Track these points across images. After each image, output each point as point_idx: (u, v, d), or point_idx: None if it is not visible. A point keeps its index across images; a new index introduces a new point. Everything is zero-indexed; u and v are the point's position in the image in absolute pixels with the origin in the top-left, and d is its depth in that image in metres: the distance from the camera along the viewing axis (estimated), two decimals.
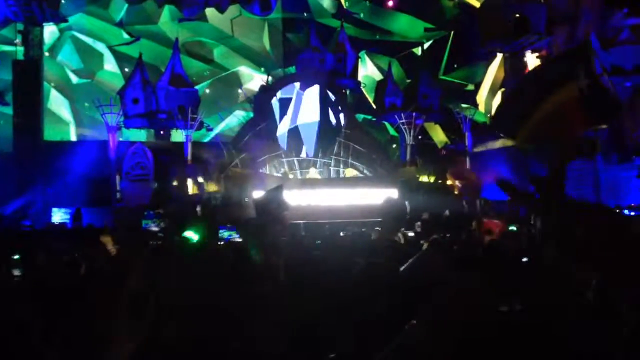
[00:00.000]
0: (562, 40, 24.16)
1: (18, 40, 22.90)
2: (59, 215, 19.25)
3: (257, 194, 19.52)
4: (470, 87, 28.93)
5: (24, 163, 20.24)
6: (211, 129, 25.60)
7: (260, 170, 22.72)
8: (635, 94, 21.51)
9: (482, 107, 27.63)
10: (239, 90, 28.56)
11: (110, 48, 28.34)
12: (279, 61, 29.93)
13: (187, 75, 24.32)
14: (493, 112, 26.66)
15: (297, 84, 24.96)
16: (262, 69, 29.26)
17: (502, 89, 26.55)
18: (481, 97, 27.85)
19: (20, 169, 20.26)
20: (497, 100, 27.25)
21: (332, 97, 24.84)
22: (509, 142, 23.36)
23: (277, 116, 24.43)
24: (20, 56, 22.60)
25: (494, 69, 27.28)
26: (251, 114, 25.60)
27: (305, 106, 24.58)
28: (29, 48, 22.51)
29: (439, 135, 27.71)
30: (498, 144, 22.87)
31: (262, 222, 4.47)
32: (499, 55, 26.64)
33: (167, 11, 28.49)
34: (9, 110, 22.93)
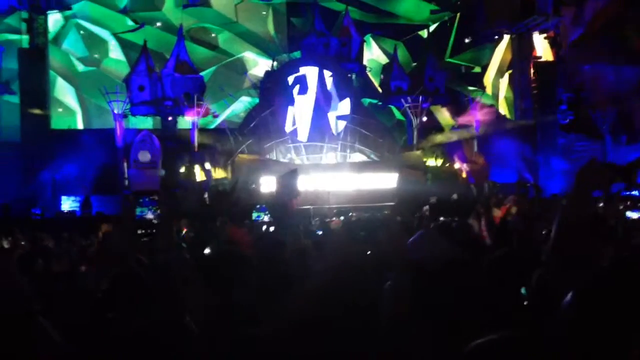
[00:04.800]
0: (569, 22, 23.94)
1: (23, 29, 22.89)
2: (68, 204, 19.36)
3: (265, 179, 19.63)
4: (477, 69, 28.70)
5: (31, 152, 20.32)
6: (217, 116, 25.56)
7: (267, 156, 22.74)
8: None
9: (489, 90, 27.44)
10: (245, 76, 28.50)
11: (115, 35, 28.27)
12: (284, 46, 29.77)
13: (192, 61, 24.25)
14: (501, 94, 26.45)
15: (303, 69, 24.82)
16: (267, 54, 29.12)
17: (509, 71, 26.33)
18: (488, 79, 27.65)
19: (28, 158, 20.35)
20: (504, 82, 27.03)
21: (337, 82, 24.71)
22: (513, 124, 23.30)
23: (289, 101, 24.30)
24: (26, 44, 22.60)
25: (501, 50, 27.04)
26: (257, 100, 25.54)
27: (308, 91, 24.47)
28: (34, 36, 22.50)
29: (445, 118, 27.56)
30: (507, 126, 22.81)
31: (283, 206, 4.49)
32: (506, 37, 26.40)
33: None
34: (15, 99, 22.97)
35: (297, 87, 24.10)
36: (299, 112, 24.04)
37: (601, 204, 5.81)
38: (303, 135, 23.88)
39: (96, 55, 27.91)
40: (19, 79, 22.31)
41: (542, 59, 23.89)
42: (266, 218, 6.15)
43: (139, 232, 1.88)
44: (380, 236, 1.68)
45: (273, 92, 24.26)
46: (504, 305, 2.25)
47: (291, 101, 23.93)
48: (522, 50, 25.03)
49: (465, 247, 4.49)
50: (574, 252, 1.73)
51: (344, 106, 24.45)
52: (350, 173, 21.91)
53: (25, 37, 22.82)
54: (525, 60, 24.02)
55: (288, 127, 23.77)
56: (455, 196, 17.84)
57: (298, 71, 24.55)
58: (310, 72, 24.29)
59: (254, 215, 6.15)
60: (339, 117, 24.31)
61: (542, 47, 24.23)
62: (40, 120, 21.26)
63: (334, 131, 24.21)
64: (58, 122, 23.94)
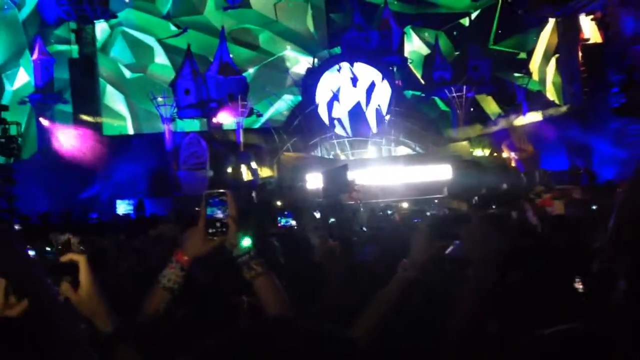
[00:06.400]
0: (617, 1, 23.09)
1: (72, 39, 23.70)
2: (123, 207, 19.99)
3: (311, 177, 19.73)
4: (523, 55, 28.07)
5: (86, 159, 21.02)
6: (261, 115, 25.89)
7: (312, 153, 22.87)
8: None
9: (535, 75, 26.81)
10: (287, 74, 28.76)
11: (160, 41, 28.92)
12: (324, 42, 29.85)
13: (234, 62, 24.62)
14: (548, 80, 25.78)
15: (344, 64, 24.96)
16: (308, 51, 29.25)
17: (556, 55, 25.65)
18: (534, 64, 27.02)
19: (82, 165, 21.07)
20: (551, 66, 26.35)
21: (379, 75, 24.68)
22: (562, 109, 22.70)
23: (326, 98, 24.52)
24: (75, 55, 23.38)
25: (547, 35, 26.35)
26: (299, 98, 25.74)
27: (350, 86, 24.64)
28: (82, 46, 23.25)
29: (491, 107, 27.09)
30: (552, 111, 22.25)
31: (326, 204, 4.50)
32: (551, 21, 25.70)
33: (211, 1, 28.85)
34: (68, 108, 23.82)
35: (349, 75, 24.29)
36: (341, 104, 24.23)
37: None
38: (337, 130, 24.06)
39: (142, 62, 28.61)
40: (70, 88, 23.12)
41: (591, 41, 23.15)
42: (293, 223, 6.13)
43: (210, 230, 1.95)
44: (460, 231, 1.69)
45: (315, 89, 24.48)
46: (562, 296, 2.25)
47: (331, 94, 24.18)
48: (568, 33, 24.32)
49: (519, 237, 4.43)
50: (634, 240, 1.72)
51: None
52: (396, 166, 21.80)
53: (74, 47, 23.61)
54: (572, 43, 23.33)
55: (323, 121, 23.98)
56: (505, 186, 17.49)
57: (339, 67, 24.75)
58: (362, 70, 24.47)
59: (282, 220, 6.10)
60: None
61: (589, 29, 23.48)
62: (93, 128, 22.00)
63: (373, 129, 24.27)
64: (109, 128, 24.73)
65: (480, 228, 1.79)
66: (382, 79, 24.77)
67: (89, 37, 24.07)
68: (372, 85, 24.57)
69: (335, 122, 24.25)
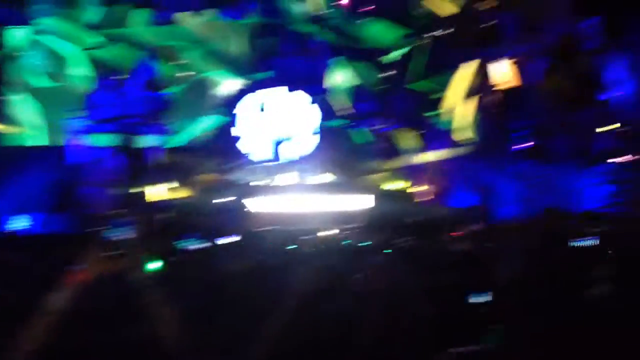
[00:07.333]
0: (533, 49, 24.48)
1: None
2: (18, 223, 19.10)
3: (225, 202, 19.63)
4: (440, 95, 29.02)
5: None
6: (175, 134, 25.59)
7: (228, 176, 22.75)
8: None
9: (449, 115, 27.72)
10: (214, 95, 28.59)
11: (82, 51, 28.08)
12: (253, 66, 29.88)
13: (157, 80, 24.26)
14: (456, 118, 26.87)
15: (271, 89, 25.29)
16: (235, 73, 29.19)
17: (473, 96, 26.69)
18: (449, 104, 28.00)
19: None
20: (465, 108, 27.35)
21: (308, 101, 25.11)
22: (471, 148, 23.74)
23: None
24: None
25: (464, 76, 27.42)
26: (223, 119, 25.64)
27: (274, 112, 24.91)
28: None
29: (409, 141, 27.82)
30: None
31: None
32: (470, 63, 26.81)
33: (139, 15, 28.35)
34: None
35: (275, 99, 24.70)
36: (265, 128, 24.47)
37: None
38: (259, 154, 24.25)
39: (61, 71, 27.58)
40: None
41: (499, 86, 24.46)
42: (200, 246, 6.01)
43: (109, 252, 1.85)
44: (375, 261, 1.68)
45: (238, 111, 24.64)
46: None
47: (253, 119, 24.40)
48: (487, 76, 25.54)
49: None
50: None
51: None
52: (313, 194, 22.03)
53: None
54: (486, 86, 24.53)
55: (245, 145, 24.19)
56: (419, 219, 18.03)
57: (265, 91, 25.04)
58: (289, 95, 24.84)
59: (185, 244, 5.88)
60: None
61: (499, 74, 24.79)
62: None
63: (296, 155, 24.52)
64: (14, 138, 23.68)
65: (393, 261, 1.79)
66: (309, 105, 25.20)
67: (4, 43, 23.25)
68: (298, 112, 24.94)
69: (257, 145, 24.35)
